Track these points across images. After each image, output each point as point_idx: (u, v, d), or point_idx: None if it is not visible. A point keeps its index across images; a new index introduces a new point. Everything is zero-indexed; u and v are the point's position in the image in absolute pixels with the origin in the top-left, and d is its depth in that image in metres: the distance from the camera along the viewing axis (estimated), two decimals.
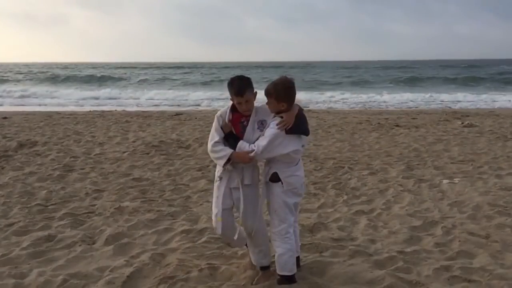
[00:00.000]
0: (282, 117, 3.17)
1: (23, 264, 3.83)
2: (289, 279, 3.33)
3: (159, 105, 21.58)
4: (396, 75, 42.00)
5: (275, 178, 3.26)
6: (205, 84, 36.67)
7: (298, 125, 3.17)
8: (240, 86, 3.15)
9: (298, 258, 3.58)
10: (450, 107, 19.28)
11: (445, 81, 35.80)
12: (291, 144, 3.19)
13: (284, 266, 3.30)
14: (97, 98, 24.56)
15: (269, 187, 3.33)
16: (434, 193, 5.86)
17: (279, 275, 3.35)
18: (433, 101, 21.90)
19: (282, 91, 3.15)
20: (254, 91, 3.25)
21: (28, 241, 4.27)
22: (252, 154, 3.14)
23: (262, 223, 3.44)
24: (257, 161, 3.30)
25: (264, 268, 3.55)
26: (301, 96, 23.63)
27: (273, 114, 3.24)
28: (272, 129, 3.15)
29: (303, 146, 3.32)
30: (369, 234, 4.48)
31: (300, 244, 3.66)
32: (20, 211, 5.17)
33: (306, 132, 3.26)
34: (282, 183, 3.24)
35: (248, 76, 3.26)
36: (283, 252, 3.27)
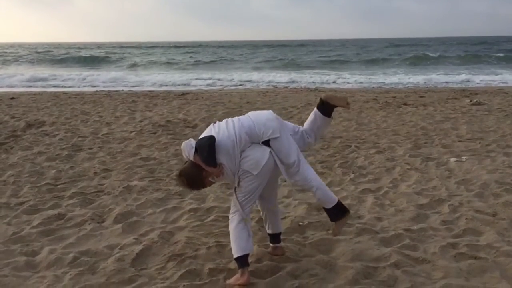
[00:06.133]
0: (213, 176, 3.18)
1: (34, 242, 3.90)
2: (338, 208, 3.32)
3: (165, 85, 21.51)
4: (405, 53, 41.40)
5: None
6: (211, 63, 36.44)
7: (204, 159, 3.09)
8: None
9: (279, 235, 3.63)
10: (458, 85, 19.06)
11: (454, 59, 35.22)
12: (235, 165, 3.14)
13: (327, 198, 3.30)
14: (102, 79, 24.45)
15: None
16: (441, 171, 5.85)
17: (326, 209, 3.37)
18: (441, 79, 21.60)
19: (188, 185, 3.24)
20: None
21: (38, 219, 4.34)
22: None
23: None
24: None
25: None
26: (305, 78, 23.41)
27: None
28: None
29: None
30: (376, 212, 4.50)
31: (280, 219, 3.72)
32: (30, 190, 5.24)
33: (209, 160, 3.09)
34: None
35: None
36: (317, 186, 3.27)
